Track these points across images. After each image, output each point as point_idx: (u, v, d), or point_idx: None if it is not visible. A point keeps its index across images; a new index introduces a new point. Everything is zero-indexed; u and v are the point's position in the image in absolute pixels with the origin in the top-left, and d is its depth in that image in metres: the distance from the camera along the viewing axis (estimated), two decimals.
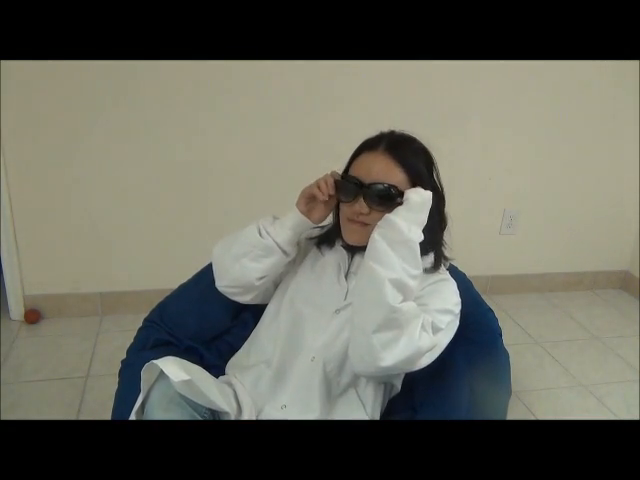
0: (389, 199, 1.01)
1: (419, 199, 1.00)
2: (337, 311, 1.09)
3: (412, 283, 0.96)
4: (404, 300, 0.95)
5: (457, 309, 1.06)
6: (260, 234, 1.10)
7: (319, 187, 1.07)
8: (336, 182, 1.07)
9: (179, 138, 2.03)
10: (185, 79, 1.96)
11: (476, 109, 2.26)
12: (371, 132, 1.10)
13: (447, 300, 1.06)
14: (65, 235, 2.06)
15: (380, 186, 1.01)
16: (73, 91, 1.89)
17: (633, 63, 2.32)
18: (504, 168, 2.41)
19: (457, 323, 1.06)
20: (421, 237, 0.99)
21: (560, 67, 2.26)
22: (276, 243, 1.09)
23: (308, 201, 1.10)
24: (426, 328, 0.97)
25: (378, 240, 0.96)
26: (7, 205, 1.95)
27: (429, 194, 1.02)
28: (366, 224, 1.04)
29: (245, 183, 2.15)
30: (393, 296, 0.93)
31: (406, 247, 0.96)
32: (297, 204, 1.11)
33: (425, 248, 1.10)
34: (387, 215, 0.99)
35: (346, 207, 1.06)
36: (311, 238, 1.22)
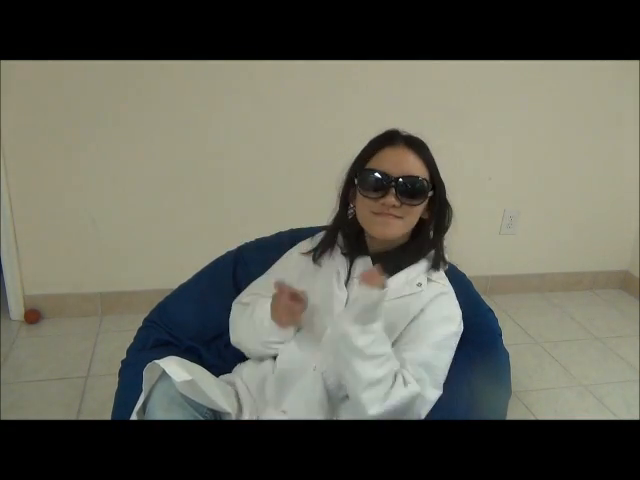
0: (422, 191, 1.03)
1: (369, 300, 0.94)
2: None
3: (379, 361, 0.96)
4: (380, 367, 0.95)
5: (459, 327, 1.08)
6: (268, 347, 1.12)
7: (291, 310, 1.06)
8: (360, 175, 1.05)
9: (180, 138, 2.03)
10: (187, 80, 1.96)
11: (476, 109, 2.26)
12: (372, 132, 1.10)
13: (449, 320, 1.07)
14: (65, 235, 2.06)
15: (412, 179, 1.02)
16: (73, 91, 1.89)
17: (633, 63, 2.32)
18: (504, 168, 2.41)
19: (460, 335, 1.08)
20: (375, 334, 0.96)
21: (560, 67, 2.26)
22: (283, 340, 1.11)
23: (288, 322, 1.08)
24: (406, 378, 0.97)
25: (336, 353, 0.99)
26: (7, 205, 1.95)
27: (380, 294, 0.95)
28: (398, 217, 1.03)
29: (246, 183, 2.15)
30: (368, 379, 0.94)
31: (358, 356, 0.94)
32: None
33: (425, 250, 1.10)
34: (336, 326, 0.99)
35: (371, 201, 1.04)
36: (304, 253, 1.21)
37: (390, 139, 1.07)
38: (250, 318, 1.14)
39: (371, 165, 1.05)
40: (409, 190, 1.01)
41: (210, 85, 1.99)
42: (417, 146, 1.05)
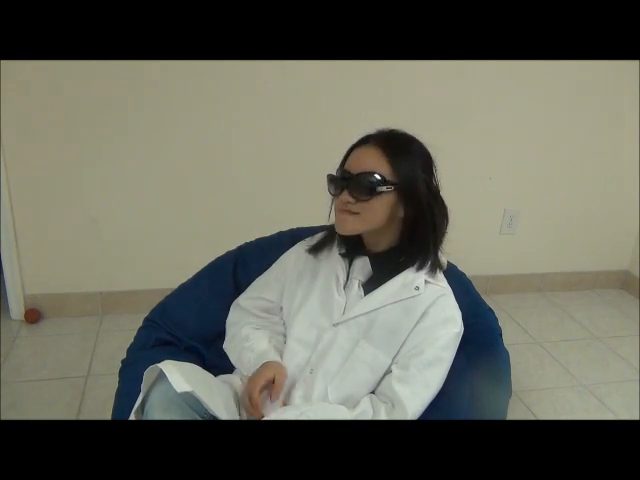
0: (371, 187, 1.02)
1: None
2: (335, 324, 1.09)
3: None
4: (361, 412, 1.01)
5: (460, 328, 1.08)
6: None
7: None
8: (328, 176, 1.09)
9: (180, 139, 2.03)
10: (187, 80, 1.96)
11: (476, 109, 2.26)
12: (371, 131, 1.11)
13: (450, 322, 1.07)
14: (65, 235, 2.07)
15: (363, 175, 1.02)
16: (73, 91, 1.89)
17: (633, 63, 2.33)
18: (504, 168, 2.41)
19: (461, 335, 1.08)
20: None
21: (560, 67, 2.26)
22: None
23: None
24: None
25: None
26: (7, 205, 1.95)
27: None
28: (354, 213, 1.04)
29: (246, 183, 2.15)
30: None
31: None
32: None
33: (421, 249, 1.09)
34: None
35: (335, 199, 1.08)
36: (307, 249, 1.21)
37: (363, 140, 1.09)
38: (239, 359, 1.17)
39: (344, 164, 1.08)
40: (359, 187, 1.03)
41: (211, 85, 1.99)
42: (387, 144, 1.04)
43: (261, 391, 1.03)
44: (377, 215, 1.05)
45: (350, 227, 1.06)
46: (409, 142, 1.08)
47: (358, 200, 1.03)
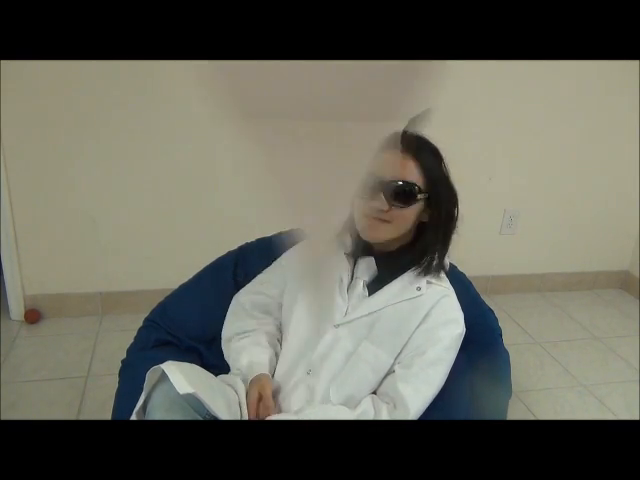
0: (410, 196, 1.02)
1: None
2: (336, 326, 1.09)
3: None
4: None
5: (463, 329, 1.08)
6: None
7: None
8: None
9: (180, 139, 2.03)
10: (187, 80, 1.96)
11: (476, 109, 2.26)
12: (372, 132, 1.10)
13: (453, 323, 1.07)
14: (65, 235, 2.06)
15: (400, 183, 1.02)
16: (73, 91, 1.89)
17: (633, 63, 2.33)
18: (504, 168, 2.41)
19: (462, 336, 1.08)
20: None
21: (560, 67, 2.26)
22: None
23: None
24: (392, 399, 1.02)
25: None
26: (7, 205, 1.95)
27: None
28: (385, 220, 1.03)
29: (245, 184, 2.15)
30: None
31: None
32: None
33: (428, 251, 1.09)
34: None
35: (363, 203, 1.04)
36: None
37: (391, 142, 1.06)
38: (236, 359, 1.16)
39: (371, 167, 1.05)
40: (396, 194, 1.02)
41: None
42: (417, 150, 1.04)
43: (258, 407, 1.04)
44: (408, 223, 1.06)
45: (382, 235, 1.05)
46: (430, 146, 1.08)
47: (393, 207, 1.02)
